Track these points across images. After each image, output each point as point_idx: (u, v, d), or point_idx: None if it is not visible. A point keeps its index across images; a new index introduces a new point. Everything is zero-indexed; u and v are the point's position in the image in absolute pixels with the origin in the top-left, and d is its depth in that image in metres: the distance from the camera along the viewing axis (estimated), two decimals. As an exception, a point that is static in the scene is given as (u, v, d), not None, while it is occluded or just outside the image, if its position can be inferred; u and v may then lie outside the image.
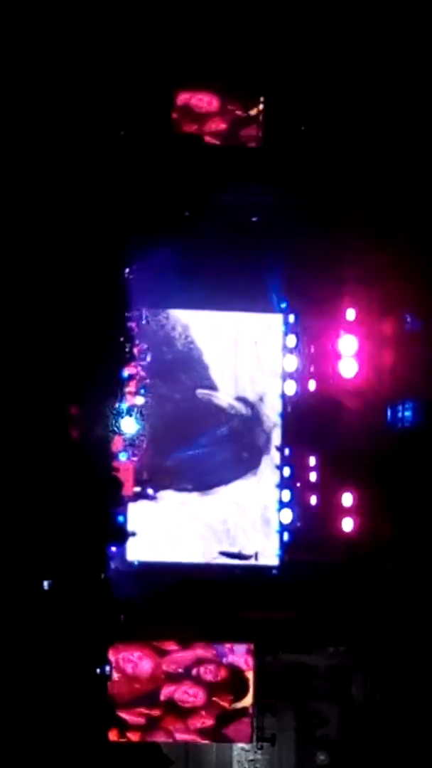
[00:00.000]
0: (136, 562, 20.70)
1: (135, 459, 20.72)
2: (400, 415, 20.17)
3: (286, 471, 21.01)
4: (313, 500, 20.41)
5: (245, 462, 21.29)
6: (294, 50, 19.10)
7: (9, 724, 17.33)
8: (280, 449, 21.13)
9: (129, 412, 20.30)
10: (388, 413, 20.24)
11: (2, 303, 18.01)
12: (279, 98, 19.55)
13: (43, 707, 17.49)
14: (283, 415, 21.19)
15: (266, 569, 20.88)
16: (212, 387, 21.36)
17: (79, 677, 18.09)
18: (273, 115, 19.65)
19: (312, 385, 20.74)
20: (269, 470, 21.25)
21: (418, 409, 20.01)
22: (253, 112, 19.94)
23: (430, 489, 19.39)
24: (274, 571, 20.80)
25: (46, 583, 18.28)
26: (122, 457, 20.28)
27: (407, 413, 20.12)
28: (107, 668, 19.34)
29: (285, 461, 21.05)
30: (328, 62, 19.14)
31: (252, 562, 20.97)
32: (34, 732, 17.50)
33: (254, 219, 20.39)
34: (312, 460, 20.53)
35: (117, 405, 19.81)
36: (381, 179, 19.44)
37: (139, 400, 20.62)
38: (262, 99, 19.69)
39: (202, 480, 21.20)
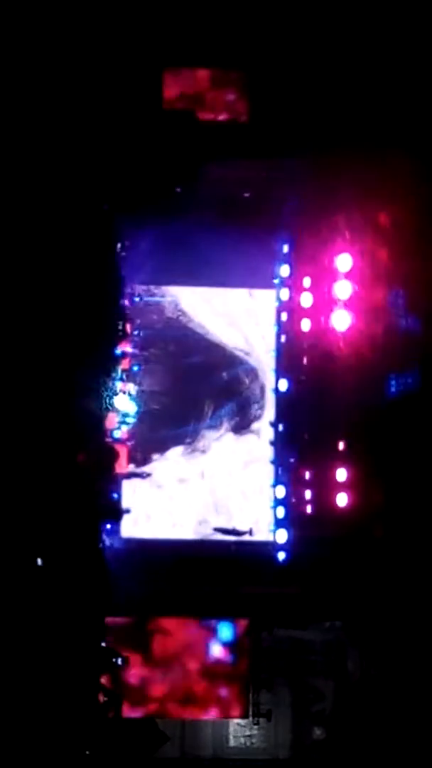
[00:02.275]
0: (129, 540, 20.71)
1: (129, 437, 20.73)
2: (394, 383, 20.13)
3: (280, 448, 21.01)
4: (307, 475, 20.40)
5: (238, 427, 21.30)
6: (277, 24, 19.04)
7: (5, 702, 17.38)
8: (274, 425, 21.13)
9: (122, 389, 20.29)
10: (384, 382, 20.20)
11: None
12: (264, 72, 19.46)
13: (38, 684, 17.52)
14: (276, 390, 21.19)
15: (261, 545, 20.89)
16: (205, 360, 21.34)
17: (74, 654, 18.12)
18: (260, 88, 19.55)
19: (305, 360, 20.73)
20: (263, 442, 21.27)
21: (412, 378, 19.99)
22: (241, 86, 19.85)
23: (422, 456, 19.35)
24: (269, 547, 20.77)
25: (39, 563, 18.30)
26: (116, 434, 20.27)
27: (402, 381, 20.10)
28: (119, 660, 19.39)
29: (279, 436, 21.04)
30: (312, 34, 19.06)
31: (247, 537, 20.99)
32: (31, 710, 17.54)
33: (246, 194, 20.34)
34: (306, 435, 20.52)
35: (110, 382, 19.81)
36: (373, 155, 19.36)
37: (132, 378, 20.62)
38: (246, 74, 19.57)
39: (195, 449, 21.21)
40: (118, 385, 20.24)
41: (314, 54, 19.11)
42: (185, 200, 19.72)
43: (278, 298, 21.27)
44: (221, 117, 19.87)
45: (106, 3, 18.53)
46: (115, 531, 20.38)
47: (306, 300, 20.66)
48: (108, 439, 19.95)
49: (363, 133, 19.19)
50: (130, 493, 20.89)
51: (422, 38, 18.93)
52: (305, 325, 20.62)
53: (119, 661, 19.14)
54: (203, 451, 21.31)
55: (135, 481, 20.97)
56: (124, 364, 20.50)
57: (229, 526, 21.05)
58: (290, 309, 21.01)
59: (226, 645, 20.49)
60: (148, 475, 21.08)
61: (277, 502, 20.88)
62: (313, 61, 19.22)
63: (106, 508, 19.78)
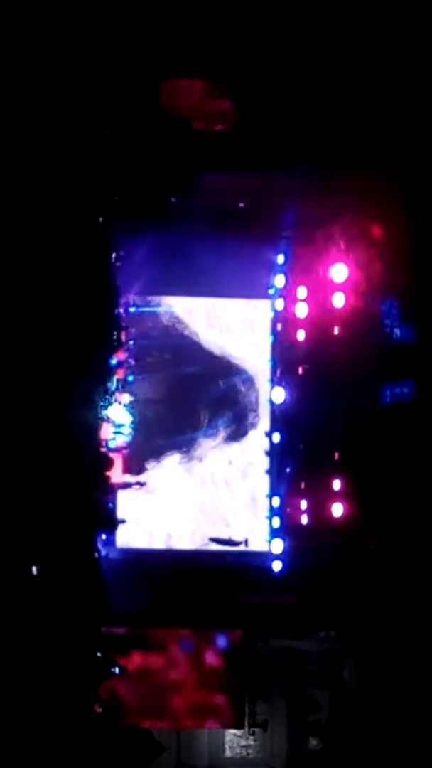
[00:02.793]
0: (125, 550, 20.69)
1: (124, 446, 20.72)
2: (389, 393, 20.17)
3: (275, 458, 21.01)
4: (303, 485, 20.41)
5: (233, 437, 21.30)
6: (271, 34, 19.08)
7: (3, 712, 17.36)
8: (269, 435, 21.13)
9: (117, 399, 20.29)
10: (379, 392, 20.24)
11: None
12: (258, 82, 19.51)
13: (34, 693, 17.49)
14: (271, 401, 21.20)
15: (257, 555, 20.88)
16: (201, 369, 21.34)
17: (70, 664, 18.09)
18: (254, 99, 19.60)
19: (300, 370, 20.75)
20: (259, 452, 21.27)
21: (407, 387, 20.02)
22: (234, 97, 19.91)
23: (417, 465, 19.38)
24: (264, 557, 20.76)
25: (34, 572, 18.28)
26: (111, 444, 20.27)
27: (397, 391, 20.14)
28: (116, 669, 19.36)
29: (274, 446, 21.05)
30: (308, 44, 19.11)
31: (242, 548, 20.98)
32: (27, 719, 17.50)
33: (241, 204, 20.37)
34: (301, 445, 20.53)
35: (105, 392, 19.82)
36: (368, 165, 19.41)
37: (127, 388, 20.62)
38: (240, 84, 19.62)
39: (190, 458, 21.21)
40: (113, 394, 20.25)
41: (309, 65, 19.14)
42: (180, 210, 19.77)
43: (273, 309, 21.30)
44: (216, 127, 19.90)
45: (101, 13, 18.56)
46: (111, 541, 20.36)
47: (301, 310, 20.69)
48: (103, 449, 19.93)
49: (357, 143, 19.25)
50: (126, 503, 20.87)
51: (415, 48, 18.98)
52: (300, 335, 20.66)
53: (116, 670, 19.11)
54: (199, 460, 21.31)
55: (130, 491, 20.95)
56: (120, 373, 20.49)
57: (224, 536, 21.04)
58: (285, 319, 21.05)
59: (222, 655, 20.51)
60: (144, 484, 21.06)
61: (273, 512, 20.89)
62: (309, 71, 19.25)
63: (101, 518, 19.77)
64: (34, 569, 18.03)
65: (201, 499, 21.28)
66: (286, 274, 20.98)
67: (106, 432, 20.11)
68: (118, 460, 20.55)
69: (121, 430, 20.46)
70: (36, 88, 18.16)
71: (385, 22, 18.79)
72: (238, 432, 21.46)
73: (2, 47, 18.10)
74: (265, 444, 21.26)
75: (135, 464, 21.07)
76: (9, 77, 18.17)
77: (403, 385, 20.09)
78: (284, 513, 20.72)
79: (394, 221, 19.57)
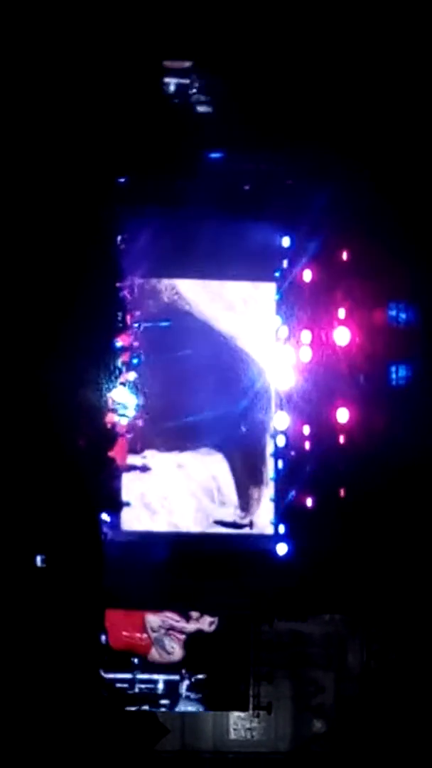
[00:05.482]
0: (129, 532, 20.69)
1: (129, 429, 20.70)
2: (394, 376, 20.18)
3: (281, 440, 20.95)
4: (308, 467, 20.39)
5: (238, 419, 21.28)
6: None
7: (6, 697, 17.43)
8: (273, 436, 21.06)
9: (122, 381, 20.28)
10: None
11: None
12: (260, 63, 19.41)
13: (36, 677, 17.56)
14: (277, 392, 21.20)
15: (261, 537, 20.87)
16: (207, 351, 21.29)
17: (73, 647, 18.15)
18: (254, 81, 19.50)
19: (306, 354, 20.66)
20: (262, 433, 21.27)
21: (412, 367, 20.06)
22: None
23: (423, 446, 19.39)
24: (269, 540, 20.76)
25: (39, 559, 18.32)
26: (116, 426, 20.26)
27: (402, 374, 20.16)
28: (102, 637, 19.43)
29: (279, 431, 21.02)
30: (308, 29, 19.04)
31: (247, 531, 20.98)
32: (30, 703, 17.58)
33: (246, 187, 20.29)
34: (306, 429, 20.48)
35: (110, 374, 19.81)
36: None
37: (132, 370, 20.59)
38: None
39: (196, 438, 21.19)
40: (118, 377, 20.23)
41: (309, 49, 19.06)
42: (185, 193, 19.71)
43: (279, 291, 21.24)
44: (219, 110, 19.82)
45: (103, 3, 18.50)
46: (115, 524, 20.37)
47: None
48: (107, 432, 19.93)
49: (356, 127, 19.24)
50: (130, 485, 20.86)
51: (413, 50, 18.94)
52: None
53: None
54: (204, 443, 21.26)
55: (135, 474, 20.93)
56: (124, 356, 20.46)
57: (229, 518, 21.03)
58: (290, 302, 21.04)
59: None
60: (148, 467, 21.04)
61: (278, 495, 20.86)
62: (310, 56, 19.17)
63: (105, 501, 19.79)
64: (38, 553, 18.09)
65: (206, 482, 21.24)
66: (291, 258, 20.90)
67: (110, 414, 20.11)
68: (122, 443, 20.52)
69: (126, 412, 20.44)
70: (40, 73, 18.15)
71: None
72: (243, 414, 21.41)
73: (3, 32, 18.09)
74: (270, 427, 21.20)
75: (139, 446, 21.02)
76: (12, 62, 18.16)
77: (408, 366, 20.13)
78: (289, 496, 20.68)
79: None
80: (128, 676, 20.30)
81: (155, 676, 20.46)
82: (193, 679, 20.39)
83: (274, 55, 19.09)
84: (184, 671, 20.44)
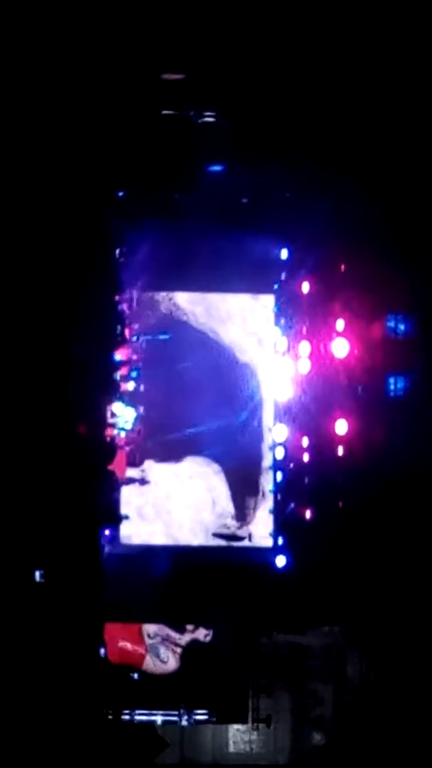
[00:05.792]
0: (128, 546, 20.68)
1: (128, 442, 20.71)
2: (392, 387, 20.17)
3: (279, 452, 20.94)
4: (306, 479, 20.39)
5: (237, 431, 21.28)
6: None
7: (7, 710, 17.42)
8: (272, 448, 21.05)
9: (121, 394, 20.30)
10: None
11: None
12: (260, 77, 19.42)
13: (37, 689, 17.55)
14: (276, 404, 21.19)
15: (261, 550, 20.87)
16: (206, 363, 21.29)
17: (73, 660, 18.14)
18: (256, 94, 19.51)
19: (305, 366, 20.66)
20: (261, 444, 21.26)
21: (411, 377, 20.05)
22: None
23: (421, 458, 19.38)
24: (268, 552, 20.75)
25: (38, 574, 18.31)
26: (115, 439, 20.27)
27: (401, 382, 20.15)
28: (102, 650, 19.41)
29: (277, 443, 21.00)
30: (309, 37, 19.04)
31: (246, 543, 20.99)
32: (32, 718, 17.58)
33: (245, 201, 20.31)
34: (305, 441, 20.48)
35: (109, 387, 19.83)
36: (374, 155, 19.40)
37: (131, 384, 20.61)
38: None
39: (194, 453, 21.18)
40: (117, 390, 20.25)
41: (308, 64, 19.08)
42: (184, 206, 19.73)
43: (277, 304, 21.26)
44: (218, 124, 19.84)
45: (103, 7, 18.49)
46: (114, 537, 20.37)
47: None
48: (107, 445, 19.93)
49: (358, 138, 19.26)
50: (129, 498, 20.87)
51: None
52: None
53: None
54: (202, 455, 21.27)
55: (134, 487, 20.94)
56: (123, 369, 20.49)
57: (228, 531, 21.04)
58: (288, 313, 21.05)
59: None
60: (147, 480, 21.05)
61: (277, 507, 20.85)
62: (308, 71, 19.19)
63: (104, 515, 19.79)
64: (37, 566, 18.08)
65: (203, 493, 21.25)
66: (289, 270, 20.91)
67: (109, 427, 20.11)
68: (121, 456, 20.53)
69: (125, 425, 20.45)
70: (40, 84, 18.15)
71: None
72: (242, 426, 21.42)
73: (4, 40, 18.09)
74: (269, 438, 21.22)
75: (138, 459, 21.04)
76: (13, 70, 18.16)
77: (407, 377, 20.14)
78: (288, 508, 20.68)
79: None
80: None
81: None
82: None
83: (272, 69, 19.11)
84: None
